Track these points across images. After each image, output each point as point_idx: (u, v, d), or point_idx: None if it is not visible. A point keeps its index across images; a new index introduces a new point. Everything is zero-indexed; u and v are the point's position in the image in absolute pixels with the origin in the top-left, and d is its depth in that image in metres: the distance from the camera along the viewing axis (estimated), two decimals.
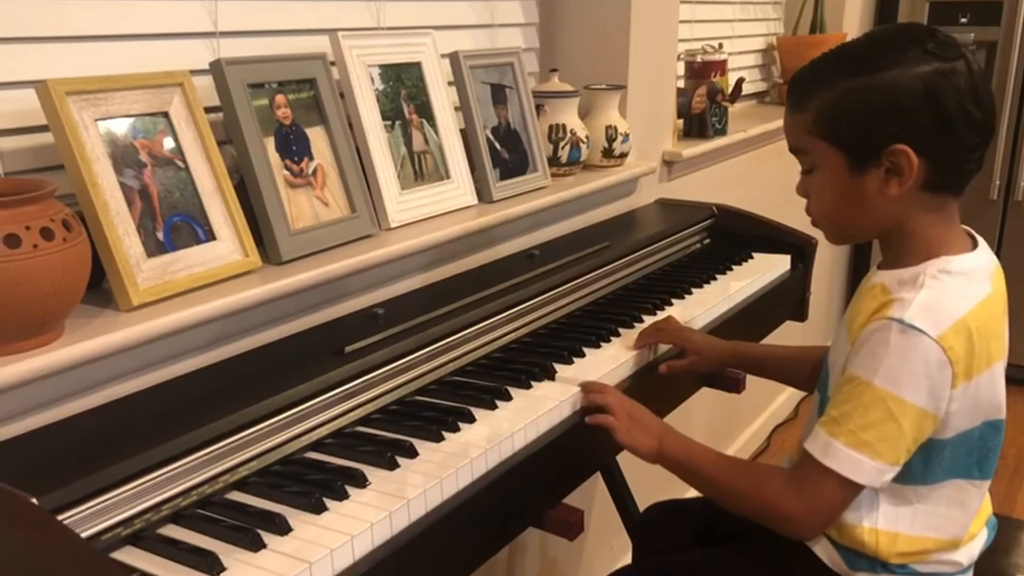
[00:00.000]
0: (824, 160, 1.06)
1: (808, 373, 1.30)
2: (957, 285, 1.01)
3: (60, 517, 0.81)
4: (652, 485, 1.84)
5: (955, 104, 0.98)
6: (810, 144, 1.07)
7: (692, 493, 1.20)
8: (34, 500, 0.77)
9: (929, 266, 1.02)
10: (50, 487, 0.81)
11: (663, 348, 1.39)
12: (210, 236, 1.14)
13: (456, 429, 1.08)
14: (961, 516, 1.07)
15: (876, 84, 1.00)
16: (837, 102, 1.02)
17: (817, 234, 1.20)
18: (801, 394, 3.22)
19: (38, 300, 0.90)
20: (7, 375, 0.89)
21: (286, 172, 1.25)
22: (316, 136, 1.30)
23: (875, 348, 0.99)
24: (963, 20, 3.36)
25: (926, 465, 1.04)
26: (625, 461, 1.67)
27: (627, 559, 1.62)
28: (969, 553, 1.10)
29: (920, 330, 0.97)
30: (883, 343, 0.98)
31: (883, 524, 1.06)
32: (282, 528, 0.87)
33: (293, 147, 1.26)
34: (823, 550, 1.11)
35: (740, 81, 2.37)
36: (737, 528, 1.24)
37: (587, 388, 1.18)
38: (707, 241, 1.93)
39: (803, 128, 1.06)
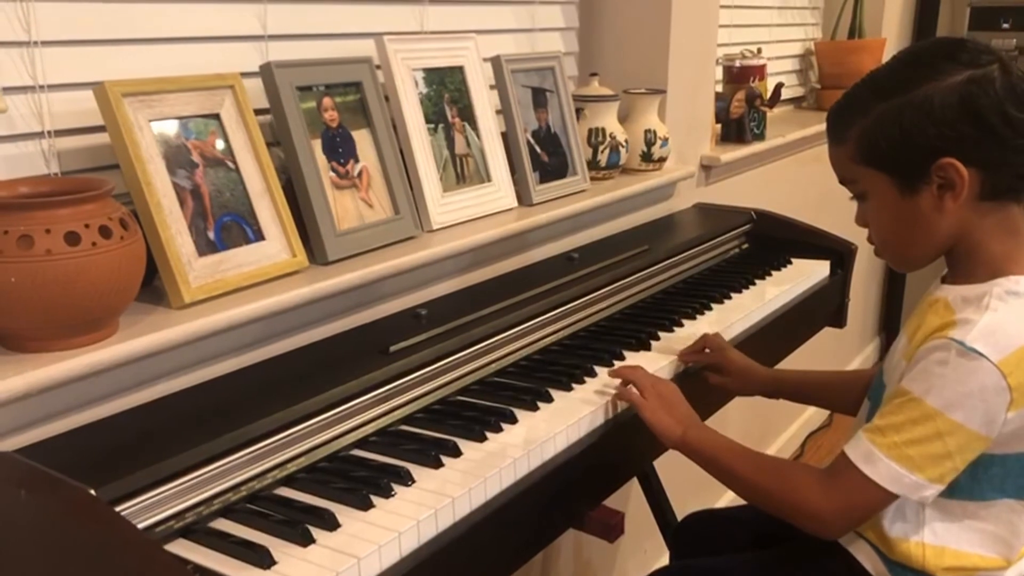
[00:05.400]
0: (873, 187, 1.05)
1: (856, 399, 1.25)
2: None
3: (116, 509, 0.83)
4: (688, 491, 1.84)
5: (992, 108, 0.97)
6: (857, 173, 1.06)
7: (725, 502, 1.20)
8: (92, 491, 0.79)
9: (996, 286, 1.00)
10: (106, 479, 0.83)
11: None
12: (259, 236, 1.16)
13: (499, 429, 1.09)
14: (1011, 538, 1.05)
15: (910, 102, 0.99)
16: (874, 127, 1.02)
17: (856, 239, 1.19)
18: None
19: (96, 296, 0.92)
20: (65, 369, 0.91)
21: (332, 174, 1.26)
22: (362, 138, 1.32)
23: (931, 366, 0.98)
24: (1005, 25, 3.32)
25: (974, 479, 1.02)
26: (662, 467, 1.68)
27: (661, 563, 1.63)
28: (1018, 571, 1.08)
29: (981, 354, 0.95)
30: (941, 363, 0.97)
31: (930, 538, 1.05)
32: (331, 523, 0.88)
33: (339, 149, 1.28)
34: (868, 560, 1.10)
35: (779, 86, 2.36)
36: (778, 538, 1.24)
37: (622, 367, 1.21)
38: (745, 246, 1.93)
39: (847, 158, 1.06)
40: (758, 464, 1.10)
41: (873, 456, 0.99)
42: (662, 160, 1.86)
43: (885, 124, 1.01)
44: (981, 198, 1.01)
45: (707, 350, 1.35)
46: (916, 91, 0.99)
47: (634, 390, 1.17)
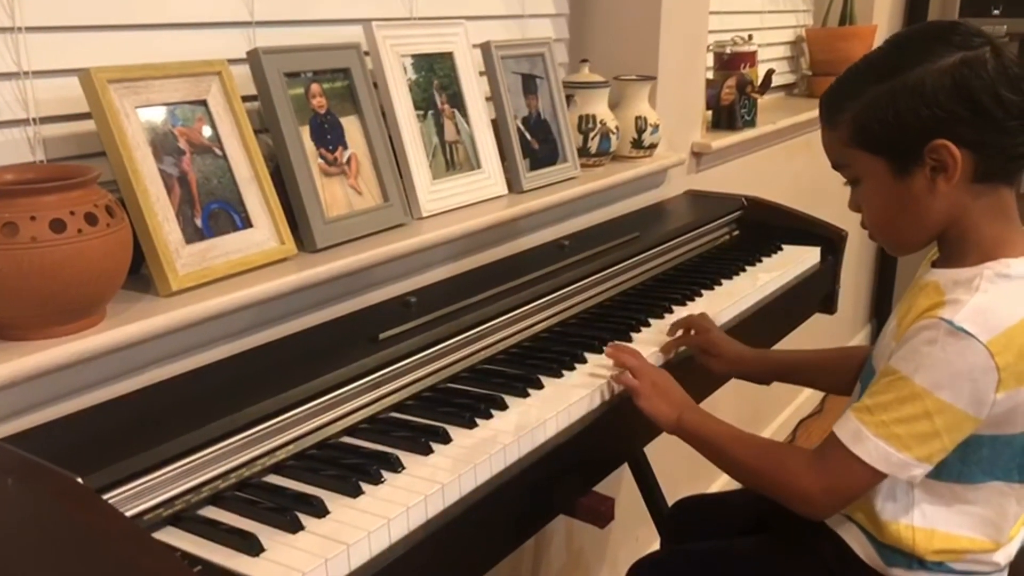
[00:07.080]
0: (867, 170, 1.05)
1: (847, 378, 1.25)
2: (1015, 290, 0.99)
3: (104, 497, 0.82)
4: (679, 477, 1.84)
5: (985, 90, 0.97)
6: (850, 157, 1.06)
7: (716, 487, 1.20)
8: (79, 479, 0.79)
9: (987, 268, 1.00)
10: (94, 467, 0.82)
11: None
12: (247, 223, 1.15)
13: (489, 416, 1.08)
14: (1000, 520, 1.06)
15: (903, 84, 0.99)
16: (868, 110, 1.02)
17: (847, 225, 1.19)
18: None
19: (82, 284, 0.92)
20: (52, 357, 0.91)
21: (321, 161, 1.26)
22: (350, 125, 1.31)
23: (920, 346, 0.98)
24: (995, 12, 3.32)
25: (963, 462, 1.03)
26: (653, 453, 1.68)
27: (652, 549, 1.63)
28: (1007, 553, 1.08)
29: (969, 333, 0.95)
30: (929, 342, 0.97)
31: (919, 521, 1.06)
32: (320, 511, 0.88)
33: (328, 136, 1.28)
34: (858, 544, 1.10)
35: (770, 73, 2.36)
36: (768, 522, 1.24)
37: (618, 349, 1.21)
38: (736, 233, 1.93)
39: (840, 142, 1.06)
40: (750, 446, 1.11)
41: (861, 435, 0.99)
42: (653, 147, 1.86)
43: (878, 107, 1.01)
44: (974, 180, 1.00)
45: (692, 331, 1.35)
46: (909, 73, 0.99)
47: (629, 376, 1.17)
